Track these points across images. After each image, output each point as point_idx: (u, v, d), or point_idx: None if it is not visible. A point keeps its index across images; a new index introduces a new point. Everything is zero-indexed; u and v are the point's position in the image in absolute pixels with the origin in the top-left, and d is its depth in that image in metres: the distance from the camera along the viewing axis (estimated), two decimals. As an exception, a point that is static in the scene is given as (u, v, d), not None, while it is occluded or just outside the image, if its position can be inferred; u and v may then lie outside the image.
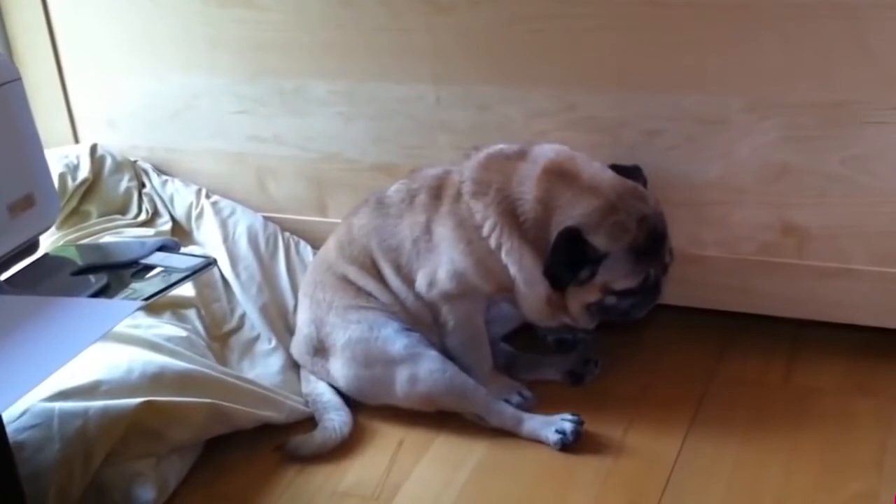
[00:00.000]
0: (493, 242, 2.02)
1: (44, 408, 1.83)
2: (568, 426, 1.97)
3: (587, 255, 1.95)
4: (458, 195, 2.06)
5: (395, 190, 2.18)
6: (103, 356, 1.94)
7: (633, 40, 2.08)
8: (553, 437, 1.97)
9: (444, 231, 2.07)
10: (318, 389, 2.14)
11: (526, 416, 2.03)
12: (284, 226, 2.55)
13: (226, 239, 2.48)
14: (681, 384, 2.14)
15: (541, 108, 2.21)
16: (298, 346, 2.22)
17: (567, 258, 1.96)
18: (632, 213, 1.96)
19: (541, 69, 2.18)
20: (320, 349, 2.16)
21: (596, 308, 2.04)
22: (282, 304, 2.38)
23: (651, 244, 1.98)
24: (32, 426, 1.81)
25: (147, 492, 1.83)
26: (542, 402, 2.09)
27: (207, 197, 2.59)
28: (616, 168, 2.03)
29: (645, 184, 2.05)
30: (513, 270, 2.02)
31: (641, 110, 2.13)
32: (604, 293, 2.00)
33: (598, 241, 1.95)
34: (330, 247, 2.24)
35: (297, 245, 2.52)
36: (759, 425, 2.00)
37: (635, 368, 2.18)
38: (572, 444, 1.96)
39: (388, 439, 2.05)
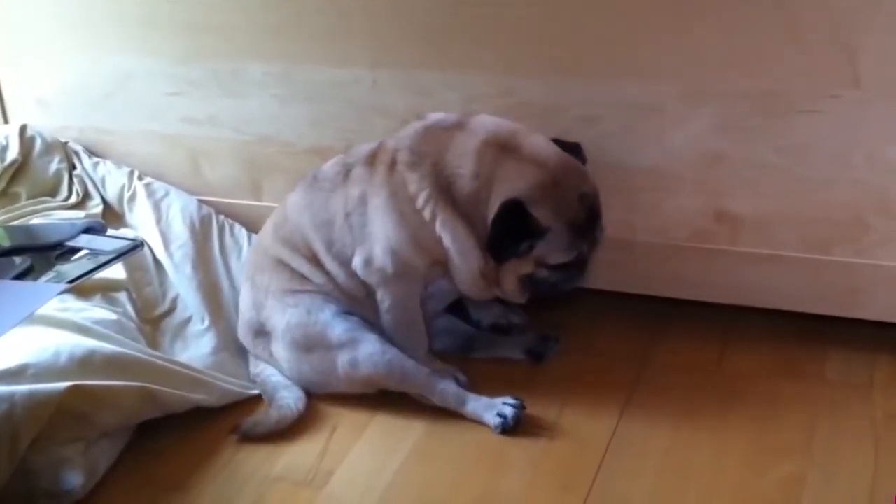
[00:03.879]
0: (427, 214, 2.00)
1: (-31, 392, 1.79)
2: (509, 411, 1.97)
3: (530, 228, 1.95)
4: (393, 164, 2.04)
5: (330, 165, 2.16)
6: (31, 339, 1.90)
7: (571, 27, 2.09)
8: (494, 420, 1.97)
9: (377, 202, 2.05)
10: (268, 371, 2.14)
11: (470, 396, 2.03)
12: (219, 209, 2.52)
13: (159, 221, 2.45)
14: (615, 368, 2.16)
15: (478, 93, 2.20)
16: (243, 329, 2.21)
17: (510, 230, 1.95)
18: (574, 189, 1.96)
19: (478, 54, 2.17)
20: (261, 332, 2.15)
21: (527, 280, 2.04)
22: (216, 283, 2.36)
23: (589, 222, 1.99)
24: (-43, 411, 1.77)
25: (75, 477, 1.81)
26: (478, 383, 2.08)
27: (140, 179, 2.55)
28: (558, 143, 2.03)
29: (584, 161, 2.05)
30: (447, 241, 2.01)
31: (578, 97, 2.13)
32: (537, 266, 2.00)
33: (542, 214, 1.94)
34: (267, 229, 2.22)
35: (231, 227, 2.50)
36: (692, 409, 2.02)
37: (570, 353, 2.19)
38: (512, 429, 1.96)
39: (323, 422, 2.05)
